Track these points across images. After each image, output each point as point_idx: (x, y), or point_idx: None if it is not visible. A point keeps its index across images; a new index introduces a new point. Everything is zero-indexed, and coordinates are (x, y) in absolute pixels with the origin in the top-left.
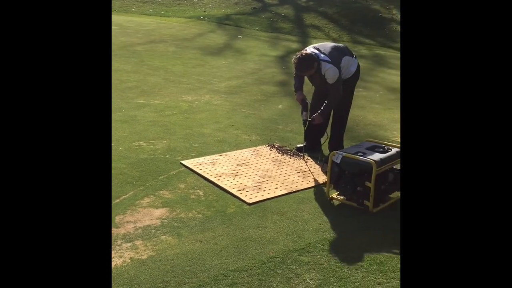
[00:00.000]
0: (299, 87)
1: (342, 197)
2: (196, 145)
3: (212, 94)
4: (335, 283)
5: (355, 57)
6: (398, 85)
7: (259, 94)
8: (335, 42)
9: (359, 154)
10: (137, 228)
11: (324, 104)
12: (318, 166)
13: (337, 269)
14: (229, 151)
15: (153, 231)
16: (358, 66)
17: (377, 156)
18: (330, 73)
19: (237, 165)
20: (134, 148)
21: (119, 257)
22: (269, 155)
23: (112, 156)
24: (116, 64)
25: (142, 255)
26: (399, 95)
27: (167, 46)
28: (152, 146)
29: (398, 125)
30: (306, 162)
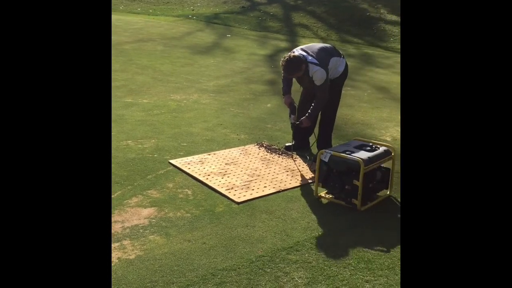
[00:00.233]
0: (287, 90)
1: (330, 196)
2: (185, 144)
3: (201, 93)
4: (323, 281)
5: (343, 57)
6: (386, 84)
7: (248, 93)
8: (324, 41)
9: (347, 152)
10: (125, 228)
11: (311, 106)
12: (307, 165)
13: (325, 267)
14: (218, 150)
15: (141, 230)
16: (346, 65)
17: (365, 155)
18: (317, 75)
19: (225, 164)
20: (122, 147)
21: None
22: (258, 154)
23: None
24: None
25: (130, 255)
26: (387, 94)
27: (156, 45)
28: (140, 146)
29: (386, 124)
30: (294, 161)
